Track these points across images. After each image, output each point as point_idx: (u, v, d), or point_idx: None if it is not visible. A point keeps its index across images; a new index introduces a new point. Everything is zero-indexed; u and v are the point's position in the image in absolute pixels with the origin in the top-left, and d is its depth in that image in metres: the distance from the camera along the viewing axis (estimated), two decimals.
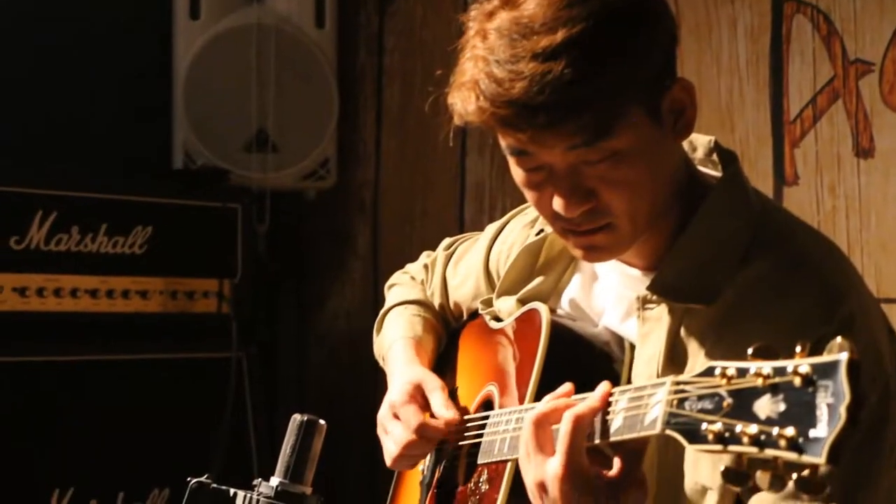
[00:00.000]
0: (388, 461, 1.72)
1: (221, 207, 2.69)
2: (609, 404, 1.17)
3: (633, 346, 1.51)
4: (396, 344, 1.85)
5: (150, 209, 2.62)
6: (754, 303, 1.40)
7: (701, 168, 1.52)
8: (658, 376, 1.41)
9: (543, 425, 1.20)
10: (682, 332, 1.43)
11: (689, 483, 1.38)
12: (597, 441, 1.18)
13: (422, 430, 1.67)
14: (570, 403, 1.20)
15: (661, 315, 1.44)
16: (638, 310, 1.46)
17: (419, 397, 1.71)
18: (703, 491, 1.37)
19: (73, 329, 2.53)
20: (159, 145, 2.92)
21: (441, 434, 1.67)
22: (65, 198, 2.52)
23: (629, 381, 1.47)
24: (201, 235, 2.68)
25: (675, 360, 1.41)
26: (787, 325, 1.36)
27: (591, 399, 1.19)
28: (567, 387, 1.25)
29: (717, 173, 1.51)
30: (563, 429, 1.16)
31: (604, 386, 1.19)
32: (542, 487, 1.17)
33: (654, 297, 1.44)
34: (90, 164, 2.83)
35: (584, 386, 1.25)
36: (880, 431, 1.35)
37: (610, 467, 1.17)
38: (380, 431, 1.75)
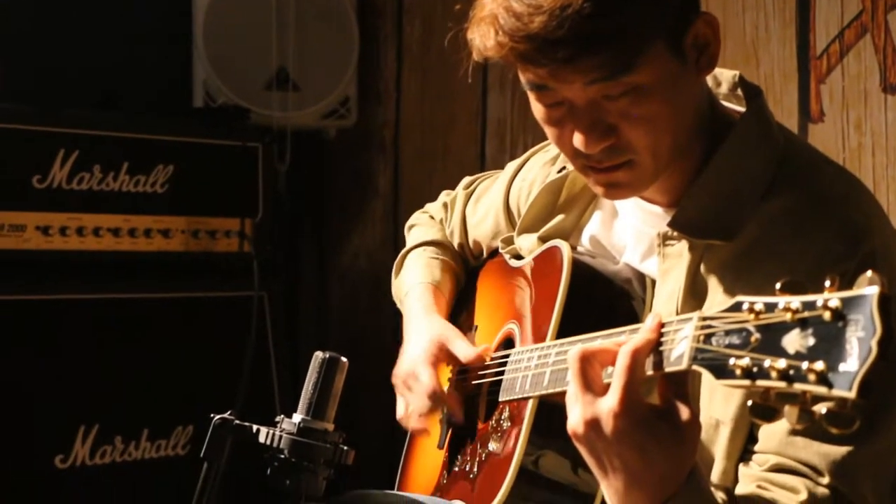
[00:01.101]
0: (399, 416, 1.73)
1: (242, 146, 2.68)
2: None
3: (654, 284, 1.49)
4: (414, 290, 1.85)
5: (170, 148, 2.61)
6: (776, 238, 1.38)
7: (725, 103, 1.49)
8: (678, 313, 1.40)
9: (591, 362, 1.17)
10: (703, 268, 1.42)
11: (703, 417, 1.37)
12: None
13: (434, 397, 1.68)
14: (619, 342, 1.18)
15: (681, 251, 1.43)
16: (658, 246, 1.45)
17: (441, 355, 1.71)
18: (717, 425, 1.36)
19: (96, 268, 2.53)
20: (180, 84, 2.91)
21: (450, 406, 1.69)
22: (86, 137, 2.51)
23: None
24: (222, 174, 2.67)
25: (695, 295, 1.40)
26: (809, 261, 1.35)
27: (645, 331, 1.15)
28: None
29: (741, 108, 1.48)
30: (621, 363, 1.12)
31: (655, 317, 1.16)
32: (593, 425, 1.14)
33: (675, 234, 1.43)
34: (111, 103, 2.82)
35: (604, 323, 1.23)
36: None
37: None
38: (396, 384, 1.74)
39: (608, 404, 1.13)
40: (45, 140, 2.46)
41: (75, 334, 2.48)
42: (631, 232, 1.55)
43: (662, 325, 1.14)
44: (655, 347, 1.11)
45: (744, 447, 1.35)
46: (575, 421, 1.17)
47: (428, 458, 1.81)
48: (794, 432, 1.29)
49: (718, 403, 1.35)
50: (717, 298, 1.39)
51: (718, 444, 1.36)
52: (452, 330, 1.75)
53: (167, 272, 2.62)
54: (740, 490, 1.33)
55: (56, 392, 2.44)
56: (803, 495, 1.27)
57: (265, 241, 2.71)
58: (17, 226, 2.42)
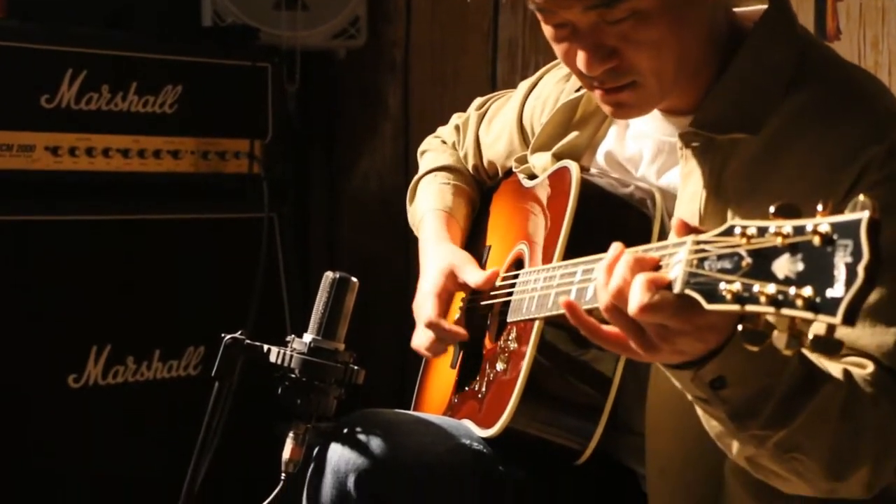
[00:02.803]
0: (413, 345, 1.79)
1: (251, 66, 2.69)
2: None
3: (667, 201, 1.52)
4: (427, 217, 1.88)
5: (179, 68, 2.62)
6: (802, 129, 1.40)
7: (742, 8, 1.50)
8: (701, 214, 1.42)
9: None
10: (727, 167, 1.43)
11: None
12: None
13: (434, 328, 1.73)
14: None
15: (704, 152, 1.45)
16: (680, 149, 1.47)
17: (451, 284, 1.76)
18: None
19: (106, 189, 2.56)
20: (188, 3, 2.91)
21: (455, 337, 1.74)
22: (94, 56, 2.52)
23: (662, 239, 1.49)
24: (231, 95, 2.68)
25: (719, 197, 1.43)
26: (836, 149, 1.37)
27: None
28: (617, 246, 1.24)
29: (759, 6, 1.49)
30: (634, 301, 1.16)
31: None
32: (660, 334, 1.17)
33: (697, 133, 1.45)
34: (119, 22, 2.83)
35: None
36: None
37: None
38: (415, 316, 1.80)
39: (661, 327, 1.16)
40: (52, 59, 2.47)
41: (86, 255, 2.51)
42: (647, 143, 1.56)
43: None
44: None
45: None
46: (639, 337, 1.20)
47: (441, 378, 1.86)
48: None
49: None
50: (742, 199, 1.41)
51: None
52: (462, 256, 1.78)
53: (177, 193, 2.64)
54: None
55: (67, 312, 2.48)
56: (870, 368, 1.32)
57: (275, 163, 2.72)
58: (25, 146, 2.44)
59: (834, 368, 1.29)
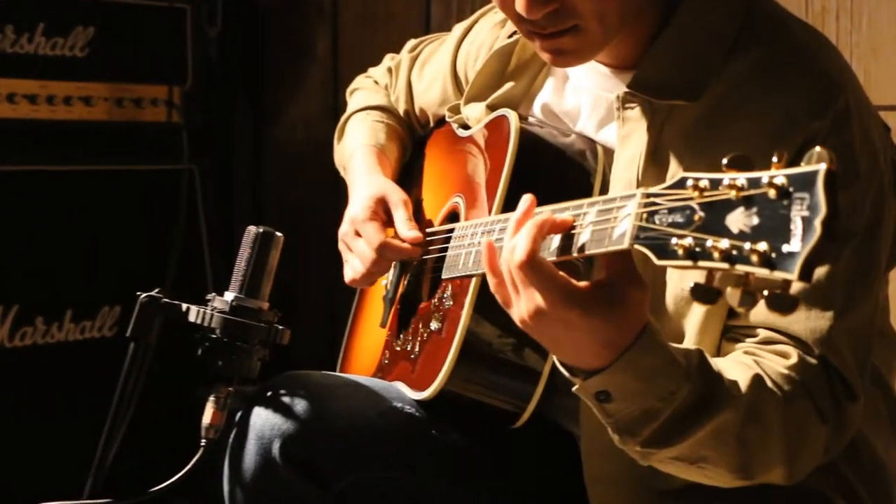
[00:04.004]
0: (349, 278, 1.75)
1: (169, 7, 2.63)
2: (577, 217, 1.18)
3: (608, 155, 1.51)
4: (358, 152, 1.85)
5: (91, 8, 2.55)
6: (744, 96, 1.40)
7: None
8: (638, 180, 1.42)
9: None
10: (666, 132, 1.43)
11: (674, 290, 1.41)
12: (565, 257, 1.19)
13: (383, 250, 1.69)
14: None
15: (642, 115, 1.44)
16: (617, 110, 1.46)
17: (381, 212, 1.73)
18: (690, 300, 1.38)
19: (11, 137, 2.49)
20: None
21: (403, 254, 1.69)
22: None
23: (604, 193, 1.48)
24: (148, 38, 2.63)
25: (657, 162, 1.42)
26: (779, 120, 1.37)
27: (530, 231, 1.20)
28: (527, 199, 1.25)
29: None
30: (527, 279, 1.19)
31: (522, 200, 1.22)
32: (537, 316, 1.20)
33: (635, 95, 1.44)
34: None
35: (554, 197, 1.25)
36: (875, 234, 1.39)
37: (578, 277, 1.20)
38: (341, 248, 1.77)
39: (541, 300, 1.18)
40: None
41: None
42: (586, 97, 1.56)
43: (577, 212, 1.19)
44: (598, 226, 1.14)
45: (723, 324, 1.39)
46: (518, 314, 1.22)
47: (371, 338, 1.84)
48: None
49: (692, 275, 1.39)
50: (681, 165, 1.41)
51: (691, 318, 1.40)
52: (395, 189, 1.75)
53: (90, 143, 2.59)
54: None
55: None
56: (793, 360, 1.33)
57: (195, 111, 2.70)
58: None
59: (744, 375, 1.29)
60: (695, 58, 1.42)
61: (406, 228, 1.69)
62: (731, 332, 1.40)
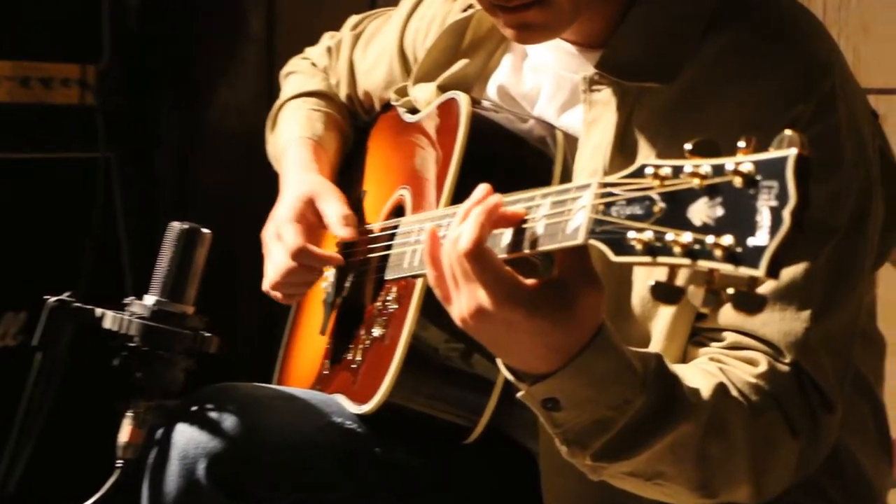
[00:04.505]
0: (266, 286, 1.75)
1: None
2: (529, 210, 1.20)
3: (570, 142, 1.52)
4: (292, 146, 1.85)
5: None
6: (721, 79, 1.42)
7: None
8: (605, 169, 1.43)
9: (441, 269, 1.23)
10: (636, 117, 1.45)
11: (640, 292, 1.42)
12: (515, 253, 1.20)
13: (301, 256, 1.69)
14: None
15: (611, 98, 1.46)
16: (584, 92, 1.48)
17: (310, 214, 1.73)
18: (656, 305, 1.41)
19: None
20: None
21: (324, 262, 1.70)
22: None
23: (564, 182, 1.49)
24: (57, 9, 2.60)
25: (625, 151, 1.44)
26: (759, 103, 1.39)
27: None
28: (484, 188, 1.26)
29: None
30: (469, 271, 1.19)
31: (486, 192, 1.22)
32: (479, 316, 1.20)
33: (604, 77, 1.46)
34: None
35: (511, 187, 1.26)
36: (860, 228, 1.41)
37: (533, 275, 1.21)
38: (263, 251, 1.77)
39: (484, 297, 1.19)
40: None
41: None
42: (548, 78, 1.57)
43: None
44: (551, 219, 1.15)
45: (691, 327, 1.41)
46: (458, 314, 1.23)
47: (309, 347, 1.85)
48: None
49: (658, 273, 1.41)
50: (653, 153, 1.42)
51: (658, 321, 1.42)
52: (327, 187, 1.76)
53: None
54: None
55: None
56: (762, 367, 1.35)
57: (113, 93, 2.68)
58: None
59: (706, 384, 1.31)
60: (669, 36, 1.44)
61: (339, 225, 1.70)
62: (698, 335, 1.42)
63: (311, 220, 1.73)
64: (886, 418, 1.60)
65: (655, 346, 1.42)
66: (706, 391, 1.30)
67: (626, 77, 1.44)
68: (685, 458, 1.29)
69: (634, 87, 1.44)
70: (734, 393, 1.32)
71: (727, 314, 1.38)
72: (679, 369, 1.31)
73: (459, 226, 1.21)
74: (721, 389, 1.31)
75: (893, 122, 2.08)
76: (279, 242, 1.71)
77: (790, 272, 1.35)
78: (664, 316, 1.41)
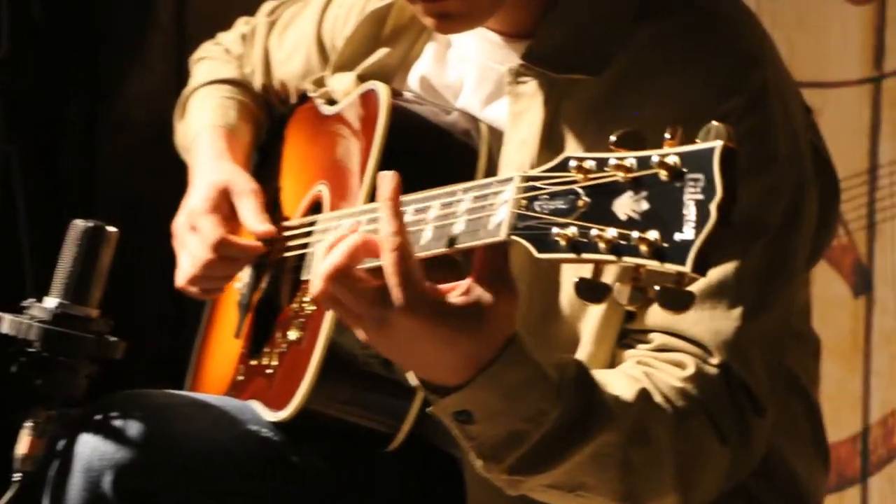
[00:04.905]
0: (180, 281, 1.74)
1: None
2: (449, 205, 1.20)
3: (495, 136, 1.54)
4: (203, 134, 1.84)
5: None
6: (651, 70, 1.44)
7: None
8: (532, 165, 1.43)
9: (347, 273, 1.21)
10: (564, 110, 1.46)
11: (569, 292, 1.43)
12: (434, 251, 1.21)
13: (222, 248, 1.69)
14: (367, 240, 1.22)
15: (537, 91, 1.47)
16: (509, 84, 1.49)
17: (224, 205, 1.73)
18: (584, 304, 1.41)
19: None
20: None
21: (247, 252, 1.70)
22: None
23: (489, 177, 1.50)
24: None
25: (553, 145, 1.45)
26: (689, 97, 1.40)
27: (386, 224, 1.20)
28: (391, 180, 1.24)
29: None
30: (387, 265, 1.18)
31: (386, 205, 1.21)
32: (384, 332, 1.20)
33: (530, 68, 1.47)
34: None
35: (433, 183, 1.27)
36: (794, 225, 1.43)
37: (456, 275, 1.21)
38: (175, 244, 1.76)
39: (389, 309, 1.18)
40: None
41: None
42: (471, 69, 1.58)
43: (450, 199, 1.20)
44: (472, 214, 1.16)
45: (621, 328, 1.42)
46: (363, 331, 1.22)
47: (223, 351, 1.84)
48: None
49: (586, 271, 1.41)
50: (581, 148, 1.43)
51: (587, 323, 1.43)
52: (242, 178, 1.76)
53: None
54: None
55: None
56: (690, 370, 1.36)
57: (14, 82, 2.65)
58: None
59: (629, 390, 1.32)
60: (597, 25, 1.45)
61: (254, 221, 1.69)
62: (626, 337, 1.43)
63: (227, 211, 1.72)
64: (822, 420, 1.62)
65: (585, 349, 1.43)
66: (629, 398, 1.31)
67: (552, 69, 1.46)
68: (607, 469, 1.29)
69: (562, 79, 1.46)
70: (658, 399, 1.33)
71: (655, 314, 1.39)
72: (601, 375, 1.32)
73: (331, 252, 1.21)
74: (645, 395, 1.32)
75: (829, 117, 2.11)
76: (195, 235, 1.70)
77: (721, 270, 1.36)
78: (593, 317, 1.42)
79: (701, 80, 1.41)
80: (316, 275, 1.21)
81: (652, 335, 1.40)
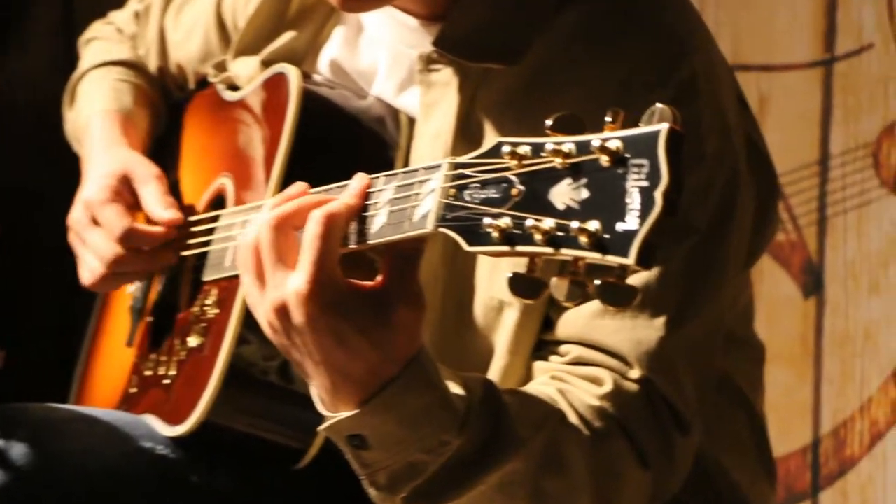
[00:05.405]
0: (88, 280, 1.72)
1: None
2: (370, 196, 1.19)
3: (413, 125, 1.54)
4: (95, 120, 1.83)
5: None
6: (571, 61, 1.44)
7: None
8: None
9: (285, 230, 1.21)
10: (480, 100, 1.46)
11: (483, 298, 1.43)
12: (353, 245, 1.20)
13: (129, 238, 1.66)
14: (320, 200, 1.21)
15: (451, 79, 1.47)
16: (420, 72, 1.49)
17: (126, 192, 1.71)
18: (500, 307, 1.43)
19: None
20: None
21: (157, 242, 1.67)
22: None
23: (407, 165, 1.49)
24: None
25: (468, 138, 1.45)
26: (612, 89, 1.41)
27: (347, 194, 1.20)
28: (301, 186, 1.25)
29: None
30: (311, 232, 1.16)
31: (361, 178, 1.21)
32: (282, 313, 1.19)
33: (443, 55, 1.47)
34: None
35: (347, 174, 1.26)
36: (724, 229, 1.43)
37: (372, 278, 1.20)
38: (73, 240, 1.74)
39: (294, 285, 1.17)
40: None
41: None
42: (384, 53, 1.58)
43: (371, 187, 1.20)
44: (396, 205, 1.15)
45: (536, 338, 1.42)
46: (262, 312, 1.21)
47: (114, 360, 1.83)
48: (601, 313, 1.36)
49: (502, 281, 1.41)
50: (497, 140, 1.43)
51: (501, 333, 1.43)
52: (143, 163, 1.74)
53: None
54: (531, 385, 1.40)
55: None
56: (607, 387, 1.35)
57: None
58: None
59: (541, 410, 1.32)
60: (516, 10, 1.46)
61: (159, 208, 1.67)
62: (542, 349, 1.42)
63: (130, 200, 1.70)
64: (766, 431, 1.62)
65: (499, 361, 1.43)
66: (540, 420, 1.30)
67: (466, 56, 1.46)
68: (516, 499, 1.29)
69: (478, 67, 1.46)
70: (573, 420, 1.33)
71: (571, 324, 1.39)
72: (511, 396, 1.31)
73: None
74: (558, 417, 1.32)
75: (776, 103, 2.11)
76: (97, 229, 1.68)
77: (644, 275, 1.35)
78: (508, 326, 1.42)
79: (624, 71, 1.42)
80: (259, 222, 1.21)
81: (567, 347, 1.40)
